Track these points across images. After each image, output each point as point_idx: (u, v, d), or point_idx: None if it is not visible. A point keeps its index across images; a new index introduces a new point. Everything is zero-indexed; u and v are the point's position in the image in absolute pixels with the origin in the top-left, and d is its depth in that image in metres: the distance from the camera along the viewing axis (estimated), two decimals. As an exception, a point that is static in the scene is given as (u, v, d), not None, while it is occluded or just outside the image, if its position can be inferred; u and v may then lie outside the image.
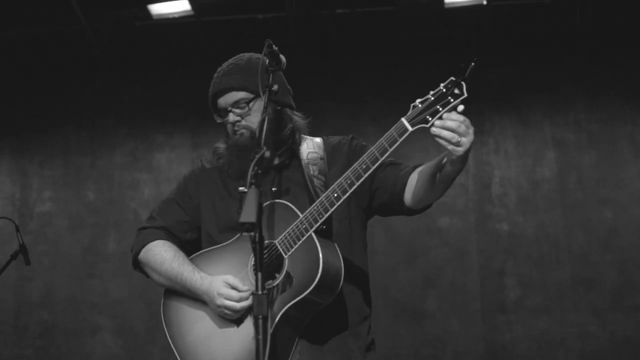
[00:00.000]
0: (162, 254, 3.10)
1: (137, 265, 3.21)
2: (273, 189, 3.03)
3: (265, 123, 2.74)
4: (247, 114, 3.07)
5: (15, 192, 8.04)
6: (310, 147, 3.17)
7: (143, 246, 3.16)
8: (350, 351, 2.95)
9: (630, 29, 7.56)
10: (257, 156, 2.58)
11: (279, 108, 3.10)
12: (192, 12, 7.40)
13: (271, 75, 2.89)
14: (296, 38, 7.55)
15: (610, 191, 7.45)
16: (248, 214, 2.41)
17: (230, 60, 3.23)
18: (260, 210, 2.45)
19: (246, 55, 3.22)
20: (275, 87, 2.88)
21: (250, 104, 3.07)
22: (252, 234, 2.43)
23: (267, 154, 2.61)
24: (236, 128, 3.09)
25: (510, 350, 7.27)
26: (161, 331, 3.10)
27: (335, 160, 3.16)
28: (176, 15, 7.47)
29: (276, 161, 3.12)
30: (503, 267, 7.42)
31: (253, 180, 2.52)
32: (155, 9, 7.38)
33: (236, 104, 3.10)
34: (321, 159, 3.14)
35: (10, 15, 7.35)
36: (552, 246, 7.41)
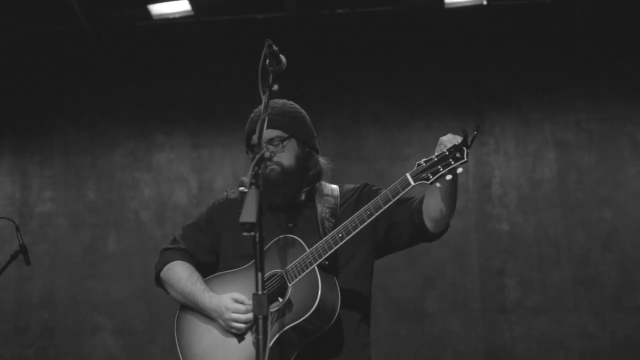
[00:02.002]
0: (179, 273, 3.39)
1: (159, 282, 3.51)
2: (289, 224, 3.29)
3: (265, 123, 2.76)
4: (281, 151, 3.28)
5: (15, 192, 8.04)
6: (327, 191, 3.41)
7: (164, 265, 3.46)
8: None
9: (630, 28, 7.56)
10: (257, 156, 2.63)
11: (307, 150, 3.37)
12: (192, 12, 7.41)
13: (271, 76, 2.92)
14: (296, 38, 7.55)
15: (610, 191, 7.45)
16: (248, 214, 2.44)
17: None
18: (260, 210, 2.47)
19: (280, 100, 3.43)
20: (276, 86, 2.91)
21: (284, 142, 3.29)
22: (252, 233, 2.48)
23: (267, 154, 2.67)
24: (268, 163, 3.26)
25: (510, 351, 7.27)
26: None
27: (347, 205, 3.38)
28: (176, 16, 7.48)
29: (302, 197, 3.35)
30: (503, 267, 7.42)
31: (253, 181, 2.58)
32: (156, 9, 7.38)
33: (271, 141, 3.27)
34: (335, 203, 3.37)
35: (10, 15, 7.36)
36: (552, 246, 7.41)
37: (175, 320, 3.40)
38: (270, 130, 3.25)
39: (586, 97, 7.64)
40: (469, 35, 7.71)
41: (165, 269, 3.44)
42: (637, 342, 7.12)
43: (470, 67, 7.78)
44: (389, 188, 3.03)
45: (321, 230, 3.23)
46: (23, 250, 5.15)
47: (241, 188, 2.65)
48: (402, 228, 3.30)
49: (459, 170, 2.94)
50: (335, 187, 3.45)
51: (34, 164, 8.10)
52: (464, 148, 2.93)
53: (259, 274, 2.50)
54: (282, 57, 2.96)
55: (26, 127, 8.17)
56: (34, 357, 7.69)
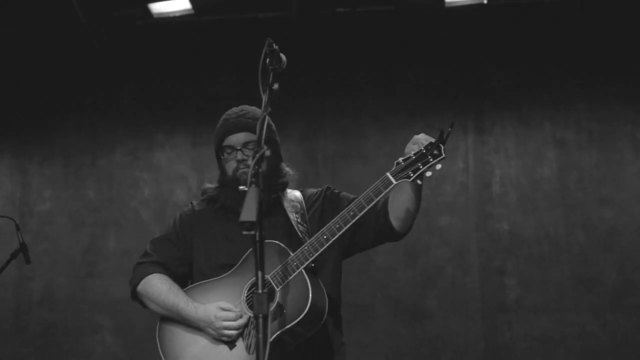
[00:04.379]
0: (159, 286, 3.41)
1: (136, 296, 3.56)
2: None
3: (266, 122, 2.77)
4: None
5: (15, 191, 8.04)
6: (292, 197, 3.43)
7: (141, 279, 3.47)
8: None
9: (631, 27, 7.56)
10: (258, 155, 2.62)
11: (277, 158, 3.42)
12: (192, 11, 7.41)
13: (272, 75, 2.92)
14: (297, 37, 7.55)
15: (610, 190, 7.45)
16: (248, 213, 2.45)
17: (238, 108, 3.45)
18: (260, 208, 2.48)
19: (251, 107, 3.45)
20: (276, 85, 2.91)
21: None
22: (253, 232, 2.49)
23: (268, 152, 2.67)
24: (241, 166, 3.30)
25: (510, 350, 7.27)
26: (158, 347, 3.33)
27: (312, 209, 3.41)
28: (177, 14, 7.47)
29: (270, 207, 3.36)
30: (503, 266, 7.42)
31: (253, 179, 2.59)
32: (156, 7, 7.38)
33: (247, 144, 3.31)
34: (301, 208, 3.40)
35: (10, 14, 7.35)
36: (552, 245, 7.41)
37: (157, 332, 3.43)
38: (246, 134, 3.31)
39: (586, 96, 7.64)
40: (469, 34, 7.71)
41: (142, 282, 3.46)
42: (637, 341, 7.12)
43: (471, 66, 7.78)
44: (370, 188, 3.09)
45: (300, 235, 3.25)
46: (23, 249, 5.14)
47: (241, 187, 2.67)
48: (367, 229, 3.33)
49: (438, 166, 3.05)
50: (297, 192, 3.48)
51: (34, 162, 8.10)
52: (441, 145, 3.07)
53: (259, 273, 2.50)
54: (283, 56, 2.97)
55: (26, 126, 8.16)
56: (34, 356, 7.69)
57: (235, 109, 3.44)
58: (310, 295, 3.03)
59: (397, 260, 7.47)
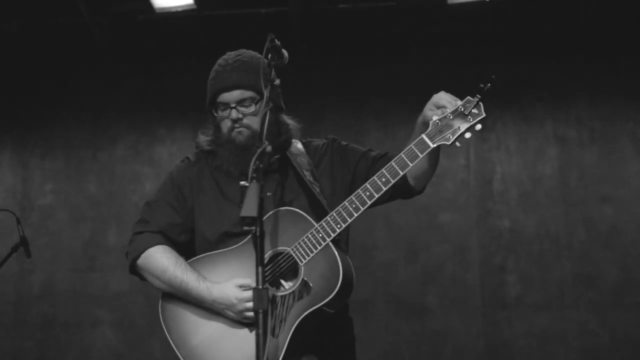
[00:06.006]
0: (163, 261, 3.06)
1: (134, 270, 3.17)
2: (268, 193, 3.02)
3: (267, 117, 2.75)
4: (252, 114, 3.04)
5: (16, 185, 8.04)
6: (297, 152, 3.17)
7: (141, 252, 3.11)
8: None
9: (632, 25, 7.55)
10: (259, 150, 2.59)
11: (278, 112, 3.11)
12: (194, 6, 7.39)
13: (273, 70, 2.90)
14: (298, 33, 7.54)
15: (611, 188, 7.44)
16: (249, 209, 2.42)
17: (233, 56, 3.17)
18: (261, 204, 2.46)
19: (248, 53, 3.16)
20: (278, 81, 2.89)
21: (257, 105, 3.04)
22: (253, 228, 2.45)
23: (269, 148, 2.63)
24: (237, 125, 3.05)
25: (510, 347, 7.27)
26: (161, 325, 3.07)
27: (319, 163, 3.18)
28: (179, 9, 7.45)
29: (275, 166, 3.12)
30: (504, 263, 7.42)
31: (254, 175, 2.53)
32: (158, 2, 7.36)
33: (242, 102, 3.04)
34: (309, 163, 3.15)
35: (13, 8, 7.35)
36: (553, 243, 7.41)
37: (160, 311, 3.08)
38: (241, 92, 3.04)
39: (588, 94, 7.63)
40: (471, 31, 7.70)
41: (143, 257, 3.09)
42: (636, 339, 7.12)
43: (472, 63, 7.76)
44: (404, 151, 2.82)
45: (318, 198, 3.01)
46: (24, 242, 5.14)
47: (242, 182, 2.59)
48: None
49: (478, 127, 2.80)
50: (300, 145, 3.23)
51: (35, 156, 8.10)
52: (480, 103, 2.79)
53: (259, 269, 2.44)
54: (284, 51, 2.94)
55: (28, 120, 8.17)
56: (34, 349, 7.70)
57: (230, 56, 3.14)
58: (342, 272, 2.77)
59: (398, 256, 7.47)
